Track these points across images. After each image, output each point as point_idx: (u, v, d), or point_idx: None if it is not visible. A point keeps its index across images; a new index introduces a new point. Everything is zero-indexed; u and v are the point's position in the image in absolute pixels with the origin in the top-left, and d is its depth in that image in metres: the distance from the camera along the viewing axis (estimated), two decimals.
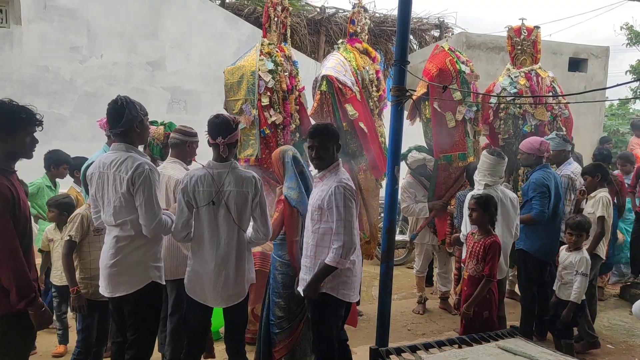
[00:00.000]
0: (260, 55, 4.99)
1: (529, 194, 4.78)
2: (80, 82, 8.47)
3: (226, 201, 3.21)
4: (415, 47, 13.09)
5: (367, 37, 5.78)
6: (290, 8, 5.57)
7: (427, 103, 5.52)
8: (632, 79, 11.05)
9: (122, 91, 8.66)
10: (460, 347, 3.31)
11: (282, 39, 5.35)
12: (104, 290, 3.22)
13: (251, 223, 3.35)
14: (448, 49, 5.58)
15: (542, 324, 4.96)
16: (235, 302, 3.35)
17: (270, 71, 4.96)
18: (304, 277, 3.37)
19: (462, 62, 5.49)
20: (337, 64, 5.16)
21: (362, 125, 5.02)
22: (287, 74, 5.13)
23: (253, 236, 3.33)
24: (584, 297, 4.29)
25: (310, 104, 5.39)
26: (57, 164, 5.25)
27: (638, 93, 17.05)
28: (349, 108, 4.98)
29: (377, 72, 5.62)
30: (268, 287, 3.91)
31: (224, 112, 3.70)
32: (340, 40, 5.70)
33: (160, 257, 3.32)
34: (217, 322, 4.22)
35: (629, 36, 18.61)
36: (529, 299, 4.88)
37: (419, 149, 5.77)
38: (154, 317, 3.32)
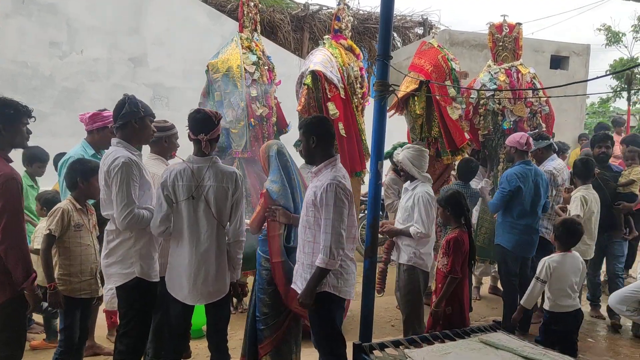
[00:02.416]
0: (242, 49, 5.02)
1: (499, 186, 4.92)
2: (60, 78, 8.35)
3: (206, 196, 3.19)
4: (398, 44, 13.13)
5: (350, 34, 5.78)
6: (260, 5, 5.62)
7: (416, 99, 5.53)
8: (608, 72, 11.19)
9: (102, 88, 8.62)
10: (443, 342, 3.32)
11: (254, 33, 5.43)
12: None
13: None
14: (437, 46, 5.60)
15: (527, 319, 4.98)
16: (215, 299, 3.32)
17: (254, 64, 5.00)
18: (304, 275, 3.27)
19: (452, 59, 5.55)
20: (325, 59, 5.14)
21: (341, 126, 5.01)
22: (266, 67, 5.18)
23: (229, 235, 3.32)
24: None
25: (285, 100, 5.42)
26: (31, 161, 5.15)
27: (618, 91, 17.31)
28: (331, 107, 4.97)
29: (361, 69, 5.63)
30: (254, 284, 3.88)
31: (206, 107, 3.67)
32: (326, 37, 5.69)
33: (149, 253, 3.30)
34: (200, 320, 4.20)
35: (608, 36, 18.93)
36: (511, 293, 4.93)
37: (403, 146, 5.78)
38: (137, 313, 3.29)
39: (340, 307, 3.37)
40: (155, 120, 3.71)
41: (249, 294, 4.22)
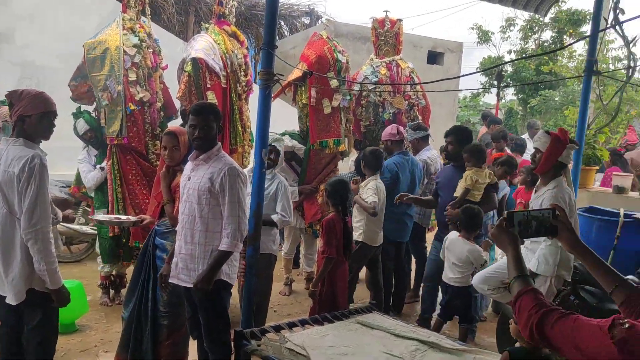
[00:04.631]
0: (123, 30, 4.78)
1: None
2: None
3: None
4: (286, 33, 13.20)
5: (234, 20, 5.72)
6: None
7: (303, 89, 5.60)
8: (479, 69, 12.09)
9: None
10: (322, 324, 3.45)
11: (140, 15, 5.17)
12: None
13: None
14: (326, 37, 5.70)
15: (400, 300, 5.35)
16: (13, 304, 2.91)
17: (135, 46, 4.78)
18: (191, 266, 3.20)
19: (339, 52, 5.66)
20: (207, 46, 5.04)
21: None
22: (150, 50, 4.99)
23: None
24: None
25: (171, 83, 5.26)
26: None
27: (487, 87, 18.72)
28: (210, 96, 4.91)
29: (245, 56, 5.59)
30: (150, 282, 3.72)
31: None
32: (207, 24, 5.58)
33: None
34: (71, 314, 4.02)
35: (479, 35, 20.41)
36: (387, 276, 5.19)
37: (292, 135, 5.84)
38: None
39: (229, 293, 3.40)
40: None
41: (128, 285, 4.07)
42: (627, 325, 1.35)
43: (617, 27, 5.03)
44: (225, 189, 3.10)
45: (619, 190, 6.25)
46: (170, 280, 3.33)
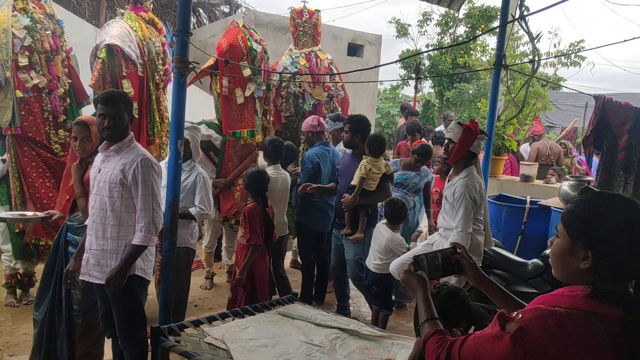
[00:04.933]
0: (13, 11, 4.44)
1: (302, 167, 5.17)
2: None
3: None
4: (205, 21, 12.92)
5: (152, 6, 5.50)
6: None
7: (218, 78, 5.48)
8: (396, 60, 12.41)
9: None
10: (243, 317, 3.42)
11: None
12: None
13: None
14: (242, 26, 5.60)
15: (322, 289, 5.39)
16: None
17: (26, 28, 4.46)
18: (103, 262, 3.07)
19: (255, 41, 5.56)
20: (123, 33, 4.81)
21: (135, 106, 4.72)
22: (49, 32, 4.67)
23: None
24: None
25: (83, 69, 4.99)
26: None
27: (405, 79, 19.24)
28: (126, 84, 4.70)
29: (163, 44, 5.38)
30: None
31: None
32: (125, 8, 5.33)
33: None
34: None
35: (398, 29, 20.93)
36: (308, 266, 5.25)
37: (210, 125, 5.71)
38: None
39: (145, 289, 3.30)
40: None
41: (37, 284, 3.85)
42: (519, 315, 1.39)
43: (522, 23, 5.31)
44: (138, 181, 3.00)
45: (526, 178, 6.63)
46: (81, 278, 3.20)
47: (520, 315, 1.39)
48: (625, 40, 3.86)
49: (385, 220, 4.53)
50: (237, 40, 5.38)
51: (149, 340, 3.21)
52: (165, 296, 3.42)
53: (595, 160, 6.26)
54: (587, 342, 1.32)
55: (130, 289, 3.10)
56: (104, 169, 3.08)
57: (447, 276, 2.07)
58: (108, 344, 3.53)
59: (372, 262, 4.46)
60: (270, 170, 4.76)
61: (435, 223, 4.88)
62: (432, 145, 6.82)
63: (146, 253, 3.14)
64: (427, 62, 19.09)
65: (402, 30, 20.76)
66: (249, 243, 4.06)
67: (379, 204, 4.92)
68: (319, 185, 4.92)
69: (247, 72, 5.37)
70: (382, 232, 4.44)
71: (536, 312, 1.38)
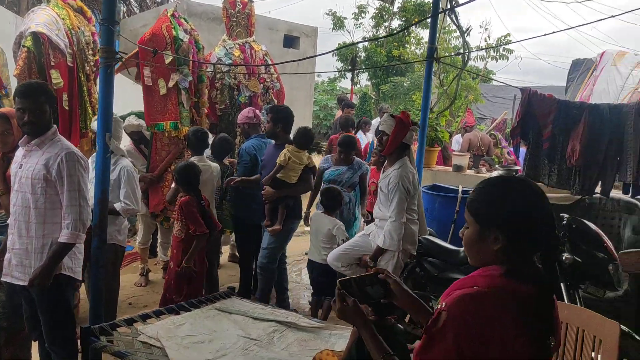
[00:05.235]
0: None
1: (239, 159, 5.10)
2: None
3: None
4: (136, 10, 12.53)
5: None
6: None
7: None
8: (331, 50, 12.53)
9: None
10: (178, 313, 3.35)
11: None
12: None
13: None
14: (171, 15, 5.42)
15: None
16: None
17: None
18: (27, 262, 2.94)
19: (185, 30, 5.39)
20: (50, 20, 4.56)
21: (65, 97, 4.54)
22: None
23: None
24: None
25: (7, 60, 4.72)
26: None
27: (342, 72, 19.40)
28: (55, 75, 4.46)
29: (93, 34, 5.14)
30: None
31: None
32: None
33: None
34: None
35: (334, 21, 21.04)
36: (246, 259, 5.20)
37: (140, 115, 5.53)
38: None
39: (74, 289, 3.22)
40: None
41: None
42: (444, 304, 1.47)
43: (452, 16, 5.45)
44: (63, 176, 2.87)
45: (458, 168, 6.83)
46: (2, 279, 3.03)
47: (444, 304, 1.47)
48: (545, 34, 4.04)
49: (322, 210, 4.57)
50: (161, 30, 5.17)
51: (78, 341, 3.09)
52: (95, 295, 3.30)
53: (523, 150, 6.53)
54: (505, 317, 1.42)
55: (57, 288, 2.97)
56: (26, 164, 2.93)
57: (379, 299, 2.02)
58: (35, 348, 3.38)
59: (316, 255, 4.49)
60: (196, 159, 4.69)
61: (370, 213, 4.96)
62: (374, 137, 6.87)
63: (74, 251, 3.02)
64: (362, 54, 19.29)
65: (338, 23, 20.85)
66: (194, 234, 3.97)
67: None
68: (242, 177, 4.88)
69: (168, 60, 5.15)
70: (321, 219, 4.50)
71: (456, 296, 1.47)
